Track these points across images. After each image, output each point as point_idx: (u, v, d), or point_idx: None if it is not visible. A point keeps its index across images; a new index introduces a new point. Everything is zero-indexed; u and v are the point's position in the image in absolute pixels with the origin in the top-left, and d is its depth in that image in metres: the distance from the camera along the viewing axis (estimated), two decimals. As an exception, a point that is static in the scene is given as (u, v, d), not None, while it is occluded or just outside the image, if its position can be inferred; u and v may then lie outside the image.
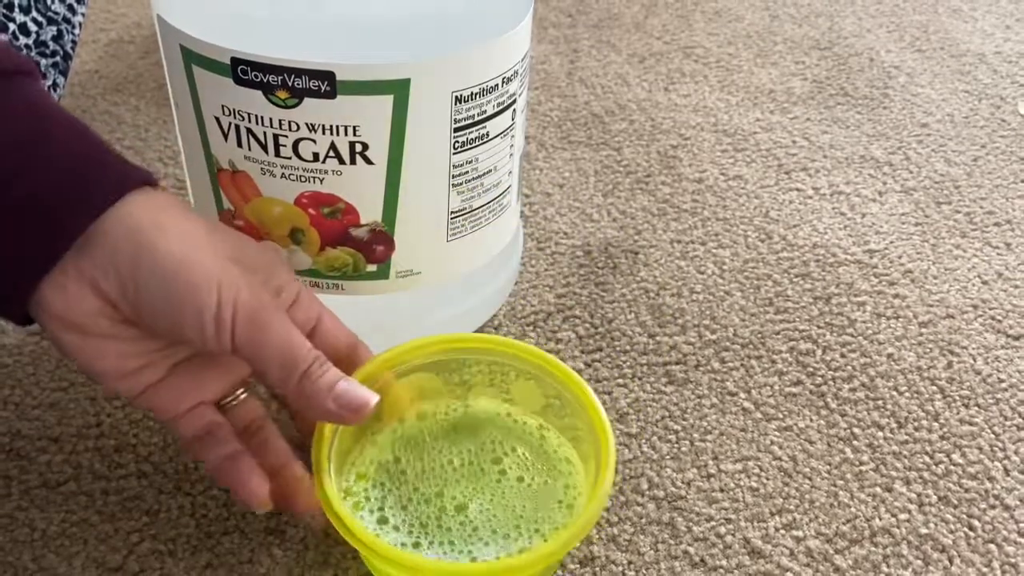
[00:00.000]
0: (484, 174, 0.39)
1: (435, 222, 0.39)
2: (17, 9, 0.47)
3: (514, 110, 0.39)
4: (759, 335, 0.45)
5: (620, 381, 0.43)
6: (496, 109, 0.38)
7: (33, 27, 0.48)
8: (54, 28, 0.49)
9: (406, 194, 0.37)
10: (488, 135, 0.38)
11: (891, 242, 0.52)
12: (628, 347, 0.44)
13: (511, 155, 0.40)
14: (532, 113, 0.62)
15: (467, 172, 0.38)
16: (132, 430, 0.39)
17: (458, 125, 0.36)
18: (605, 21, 0.74)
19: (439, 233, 0.39)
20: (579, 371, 0.43)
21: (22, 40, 0.48)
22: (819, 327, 0.46)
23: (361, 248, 0.38)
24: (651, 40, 0.71)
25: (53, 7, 0.49)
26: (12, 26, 0.47)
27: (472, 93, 0.36)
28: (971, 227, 0.53)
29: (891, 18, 0.76)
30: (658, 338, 0.45)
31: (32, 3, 0.48)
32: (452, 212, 0.39)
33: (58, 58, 0.50)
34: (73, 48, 0.51)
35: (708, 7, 0.77)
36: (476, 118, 0.37)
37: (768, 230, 0.52)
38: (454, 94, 0.35)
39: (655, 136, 0.60)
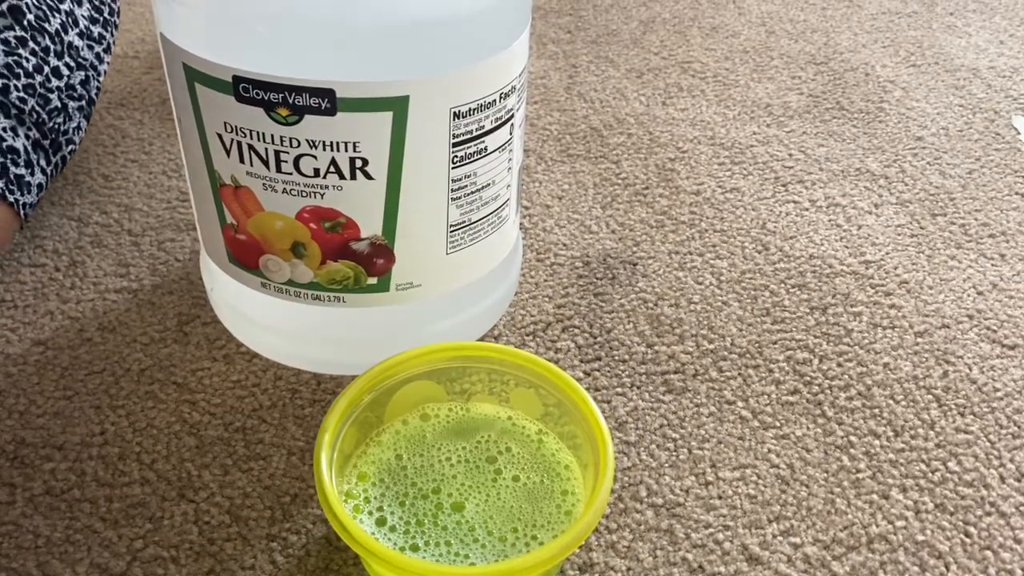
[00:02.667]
0: (483, 188, 0.39)
1: (434, 235, 0.39)
2: (52, 54, 0.49)
3: (512, 124, 0.39)
4: (756, 345, 0.46)
5: (619, 390, 0.43)
6: (494, 124, 0.38)
7: (65, 71, 0.50)
8: (83, 73, 0.51)
9: (406, 208, 0.37)
10: (486, 149, 0.38)
11: (887, 253, 0.52)
12: (627, 356, 0.45)
13: (509, 168, 0.41)
14: (531, 127, 0.62)
15: (466, 186, 0.39)
16: (136, 438, 0.40)
17: (456, 140, 0.37)
18: (603, 37, 0.75)
19: (439, 246, 0.40)
20: (578, 380, 0.43)
21: (54, 83, 0.49)
22: (816, 337, 0.46)
23: (361, 261, 0.39)
24: (649, 55, 0.72)
25: (83, 54, 0.51)
26: (47, 69, 0.49)
27: (470, 109, 0.36)
28: (966, 238, 0.54)
29: (886, 34, 0.77)
30: (656, 348, 0.45)
31: (65, 49, 0.50)
32: (451, 225, 0.39)
33: (83, 102, 0.51)
34: (97, 94, 0.53)
35: (705, 23, 0.77)
36: (474, 133, 0.37)
37: (765, 241, 0.53)
38: (452, 110, 0.36)
39: (653, 149, 0.60)
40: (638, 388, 0.43)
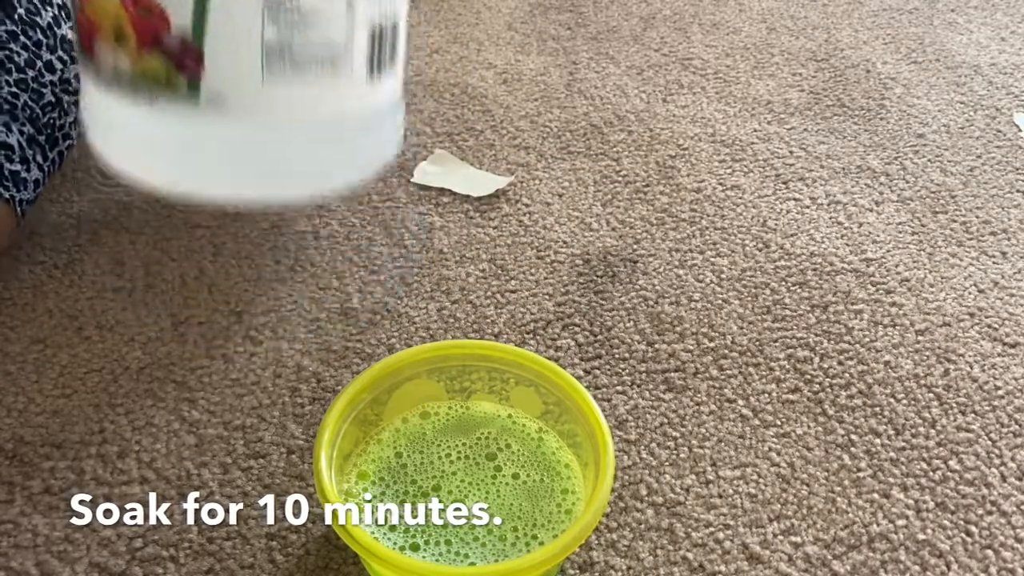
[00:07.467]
0: (307, 12, 0.38)
1: (248, 50, 0.38)
2: (45, 48, 0.49)
3: None
4: (757, 343, 0.46)
5: (619, 388, 0.43)
6: None
7: (59, 65, 0.50)
8: (77, 67, 0.51)
9: (215, 7, 0.36)
10: None
11: (888, 251, 0.52)
12: (627, 355, 0.45)
13: (348, 6, 0.39)
14: (532, 124, 0.62)
15: (284, 1, 0.37)
16: (135, 436, 0.40)
17: None
18: (604, 34, 0.75)
19: (254, 66, 0.38)
20: (578, 378, 0.43)
21: (47, 77, 0.49)
22: (816, 335, 0.46)
23: (173, 57, 0.38)
24: (649, 52, 0.72)
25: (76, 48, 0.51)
26: (39, 63, 0.48)
27: None
28: (967, 236, 0.53)
29: (887, 30, 0.76)
30: (657, 346, 0.45)
31: (58, 43, 0.50)
32: (268, 44, 0.38)
33: (79, 96, 0.51)
34: None
35: (706, 19, 0.77)
36: None
37: (766, 239, 0.52)
38: None
39: (653, 146, 0.60)
40: (638, 386, 0.43)
